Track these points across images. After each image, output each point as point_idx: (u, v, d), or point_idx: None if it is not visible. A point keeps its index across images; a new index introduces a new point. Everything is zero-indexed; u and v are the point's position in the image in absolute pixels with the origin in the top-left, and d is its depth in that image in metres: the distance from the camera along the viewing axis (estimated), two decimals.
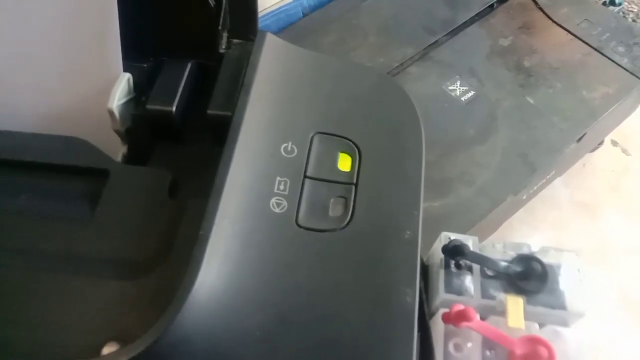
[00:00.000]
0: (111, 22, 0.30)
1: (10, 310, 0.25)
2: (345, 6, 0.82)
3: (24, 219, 0.28)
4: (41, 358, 0.24)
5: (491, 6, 0.83)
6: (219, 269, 0.24)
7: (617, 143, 0.90)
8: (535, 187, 0.72)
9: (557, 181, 0.81)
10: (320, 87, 0.31)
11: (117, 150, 0.31)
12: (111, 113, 0.31)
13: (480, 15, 0.82)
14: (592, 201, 0.83)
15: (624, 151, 0.89)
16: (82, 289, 0.25)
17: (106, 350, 0.24)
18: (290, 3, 0.81)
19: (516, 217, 0.74)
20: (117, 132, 0.31)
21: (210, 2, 0.31)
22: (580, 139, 0.71)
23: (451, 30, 0.80)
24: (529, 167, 0.68)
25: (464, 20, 0.81)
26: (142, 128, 0.31)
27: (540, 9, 0.82)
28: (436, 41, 0.78)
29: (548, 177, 0.73)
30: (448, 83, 0.73)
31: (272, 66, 0.30)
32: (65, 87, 0.31)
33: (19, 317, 0.25)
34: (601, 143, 0.87)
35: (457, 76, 0.73)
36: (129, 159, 0.31)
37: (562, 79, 0.75)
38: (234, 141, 0.27)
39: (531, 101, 0.73)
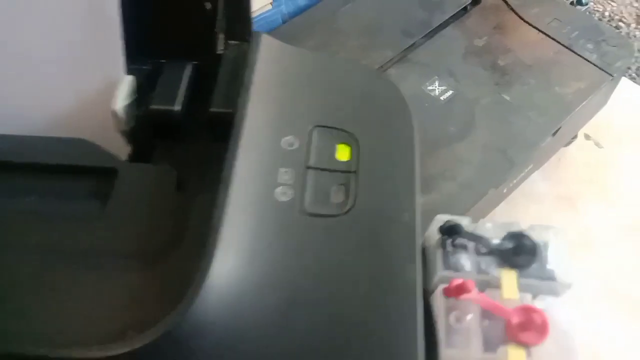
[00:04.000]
0: (114, 25, 0.31)
1: (29, 304, 0.26)
2: (324, 12, 0.84)
3: (37, 218, 0.29)
4: (62, 346, 0.25)
5: (465, 8, 0.86)
6: (232, 255, 0.25)
7: (590, 137, 0.93)
8: (515, 181, 0.75)
9: (536, 175, 0.84)
10: (316, 82, 0.33)
11: (121, 150, 0.33)
12: (115, 114, 0.32)
13: (454, 18, 0.85)
14: (571, 194, 0.86)
15: (597, 144, 0.92)
16: (98, 282, 0.26)
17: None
18: (269, 10, 0.82)
19: (498, 210, 0.76)
20: (121, 132, 0.32)
21: (206, 6, 0.33)
22: (555, 133, 0.74)
23: (428, 33, 0.82)
24: (508, 161, 0.70)
25: (439, 23, 0.84)
26: (145, 128, 0.32)
27: (512, 9, 0.85)
28: (414, 43, 0.81)
29: (527, 170, 0.76)
30: (427, 83, 0.75)
31: (269, 65, 0.32)
32: (70, 89, 0.32)
33: (37, 310, 0.26)
34: (575, 137, 0.90)
35: (436, 76, 0.76)
36: (133, 158, 0.33)
37: (535, 76, 0.78)
38: (238, 136, 0.29)
39: (507, 98, 0.76)
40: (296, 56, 0.33)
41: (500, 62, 0.79)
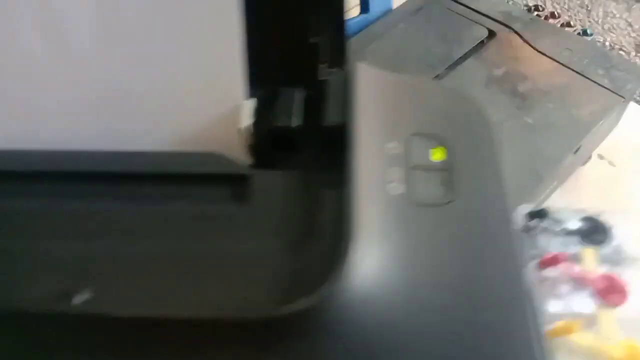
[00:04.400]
0: (239, 52, 0.37)
1: (197, 278, 0.31)
2: (354, 49, 0.91)
3: (187, 218, 0.34)
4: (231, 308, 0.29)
5: (482, 42, 0.94)
6: (366, 238, 0.31)
7: (603, 156, 1.00)
8: (542, 196, 0.81)
9: (556, 194, 0.90)
10: (407, 99, 0.39)
11: (245, 162, 0.38)
12: (241, 131, 0.38)
13: (473, 51, 0.92)
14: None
15: (610, 163, 0.99)
16: (248, 263, 0.31)
17: None
18: None
19: None
20: (246, 147, 0.38)
21: (312, 41, 0.39)
22: (576, 151, 0.81)
23: (450, 65, 0.90)
24: (536, 177, 0.76)
25: (460, 56, 0.91)
26: (266, 143, 0.38)
27: (526, 41, 0.92)
28: (438, 75, 0.88)
29: (552, 186, 0.82)
30: None
31: (366, 86, 0.38)
32: (199, 109, 0.38)
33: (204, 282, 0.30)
34: (589, 158, 0.97)
35: None
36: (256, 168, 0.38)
37: (553, 100, 0.85)
38: (351, 144, 0.34)
39: (529, 121, 0.82)
40: (389, 78, 0.39)
41: (520, 89, 0.86)
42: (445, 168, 0.35)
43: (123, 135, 0.37)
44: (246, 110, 0.38)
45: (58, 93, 0.37)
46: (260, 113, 0.38)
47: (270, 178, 0.35)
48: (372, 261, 0.30)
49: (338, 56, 0.40)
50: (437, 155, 0.36)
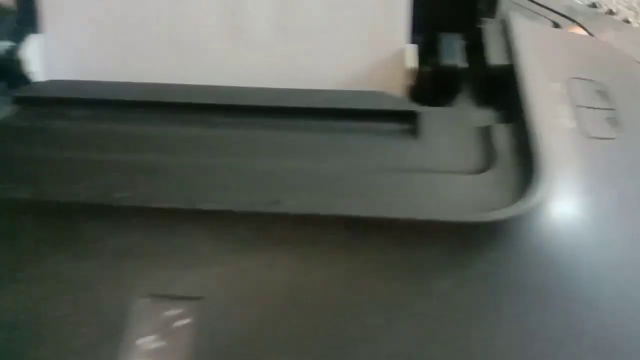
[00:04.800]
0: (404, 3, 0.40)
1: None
2: None
3: (367, 148, 0.36)
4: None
5: None
6: (552, 160, 0.33)
7: None
8: None
9: None
10: (566, 49, 0.41)
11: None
12: (407, 72, 0.40)
13: None
14: None
15: None
16: (432, 187, 0.33)
17: None
18: None
19: None
20: (409, 88, 0.40)
21: None
22: None
23: None
24: None
25: None
26: (429, 83, 0.40)
27: (590, 34, 0.94)
28: None
29: None
30: None
31: (524, 34, 0.40)
32: (367, 51, 0.40)
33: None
34: None
35: None
36: None
37: None
38: (522, 82, 0.36)
39: None
40: (541, 28, 0.42)
41: None
42: (610, 108, 0.37)
43: (301, 75, 0.40)
44: (411, 53, 0.40)
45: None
46: (423, 56, 0.41)
47: (437, 115, 0.37)
48: (560, 183, 0.32)
49: (491, 7, 0.42)
50: (599, 96, 0.38)
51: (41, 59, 0.43)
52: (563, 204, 0.31)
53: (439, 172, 0.34)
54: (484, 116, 0.37)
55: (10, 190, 0.32)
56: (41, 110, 0.40)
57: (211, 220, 0.31)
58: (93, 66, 0.43)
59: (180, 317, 0.29)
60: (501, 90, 0.38)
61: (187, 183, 0.33)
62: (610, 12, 1.14)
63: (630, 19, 1.10)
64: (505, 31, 0.40)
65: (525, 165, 0.32)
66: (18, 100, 0.40)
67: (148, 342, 0.29)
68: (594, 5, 1.18)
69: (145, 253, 0.30)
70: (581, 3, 1.20)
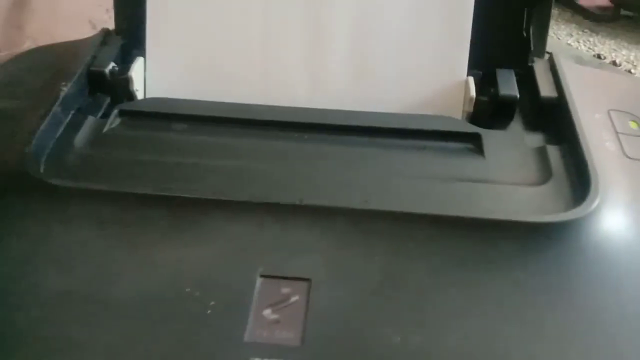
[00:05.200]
0: (467, 35, 0.46)
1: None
2: None
3: (440, 166, 0.41)
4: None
5: None
6: (601, 179, 0.38)
7: None
8: None
9: None
10: (604, 85, 0.47)
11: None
12: (468, 100, 0.46)
13: None
14: None
15: None
16: (497, 196, 0.39)
17: None
18: None
19: None
20: (467, 113, 0.46)
21: (524, 34, 0.48)
22: None
23: None
24: None
25: None
26: (487, 110, 0.46)
27: None
28: None
29: None
30: None
31: (570, 70, 0.47)
32: (430, 80, 0.47)
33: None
34: None
35: None
36: None
37: None
38: (572, 110, 0.43)
39: None
40: (581, 68, 0.48)
41: None
42: None
43: (371, 100, 0.46)
44: (471, 84, 0.47)
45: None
46: (481, 87, 0.47)
47: (496, 137, 0.43)
48: (610, 194, 0.38)
49: (540, 47, 0.49)
50: (634, 125, 0.44)
51: (142, 79, 0.49)
52: (613, 211, 0.37)
53: (505, 183, 0.39)
54: (536, 138, 0.44)
55: (137, 186, 0.38)
56: (145, 122, 0.45)
57: (316, 215, 0.36)
58: (187, 89, 0.49)
59: (291, 295, 0.34)
60: (549, 118, 0.44)
61: (290, 184, 0.38)
62: (614, 63, 1.23)
63: (633, 70, 1.19)
64: (553, 68, 0.47)
65: (580, 178, 0.38)
66: (123, 113, 0.46)
67: (267, 314, 0.33)
68: (599, 57, 1.27)
69: (261, 241, 0.36)
70: (587, 53, 1.29)
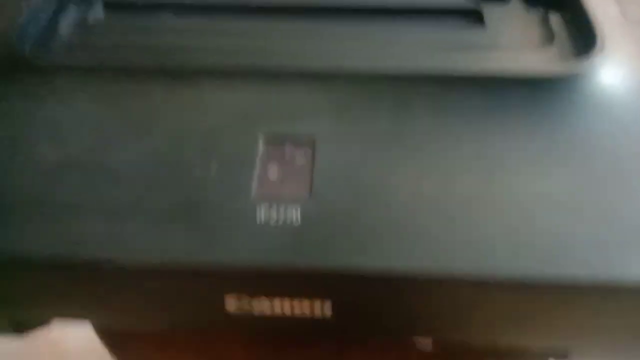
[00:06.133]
0: None
1: None
2: None
3: (431, 42, 0.40)
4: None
5: None
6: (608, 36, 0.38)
7: None
8: None
9: None
10: None
11: None
12: None
13: None
14: None
15: None
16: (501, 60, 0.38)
17: None
18: None
19: None
20: None
21: None
22: None
23: None
24: None
25: None
26: None
27: None
28: None
29: None
30: None
31: None
32: None
33: None
34: None
35: None
36: None
37: None
38: None
39: None
40: None
41: None
42: None
43: None
44: None
45: None
46: None
47: (502, 7, 0.42)
48: (612, 50, 0.37)
49: None
50: None
51: None
52: (617, 64, 0.37)
53: (508, 48, 0.39)
54: (537, 9, 0.43)
55: (130, 61, 0.36)
56: (133, 12, 0.44)
57: (318, 79, 0.36)
58: None
59: (296, 153, 0.33)
60: None
61: (291, 52, 0.38)
62: None
63: None
64: None
65: (583, 38, 0.38)
66: (108, 5, 0.44)
67: (272, 172, 0.33)
68: None
69: (263, 106, 0.35)
70: None
